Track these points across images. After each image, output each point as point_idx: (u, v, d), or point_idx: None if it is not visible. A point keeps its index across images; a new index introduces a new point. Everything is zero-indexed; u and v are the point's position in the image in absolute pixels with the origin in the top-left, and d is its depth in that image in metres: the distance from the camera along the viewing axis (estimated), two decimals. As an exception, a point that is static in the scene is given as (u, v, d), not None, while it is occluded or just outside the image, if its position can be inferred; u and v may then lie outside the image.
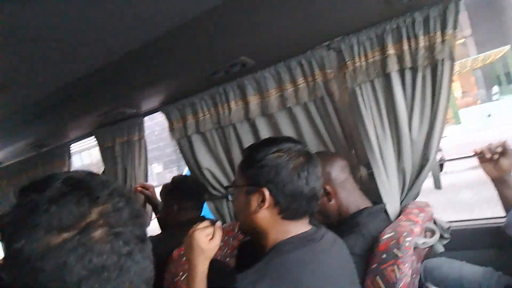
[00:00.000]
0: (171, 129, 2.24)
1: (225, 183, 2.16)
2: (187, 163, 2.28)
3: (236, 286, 0.86)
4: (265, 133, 1.96)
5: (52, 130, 2.53)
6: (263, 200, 0.98)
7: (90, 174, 0.58)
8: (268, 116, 1.94)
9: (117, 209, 0.54)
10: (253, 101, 1.94)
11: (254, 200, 1.00)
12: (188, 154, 2.23)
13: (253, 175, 1.00)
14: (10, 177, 3.33)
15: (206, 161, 2.18)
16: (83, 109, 2.21)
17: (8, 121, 2.34)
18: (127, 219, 0.55)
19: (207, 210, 2.25)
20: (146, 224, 0.59)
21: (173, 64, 1.79)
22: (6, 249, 0.52)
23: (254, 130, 1.99)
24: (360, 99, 1.59)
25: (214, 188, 2.20)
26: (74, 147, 2.97)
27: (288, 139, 1.05)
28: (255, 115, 1.94)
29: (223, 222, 2.22)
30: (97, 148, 2.63)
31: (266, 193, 0.97)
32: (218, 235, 1.09)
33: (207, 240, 1.07)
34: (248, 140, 2.01)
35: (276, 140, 1.05)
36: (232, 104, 1.99)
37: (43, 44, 1.54)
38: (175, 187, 2.05)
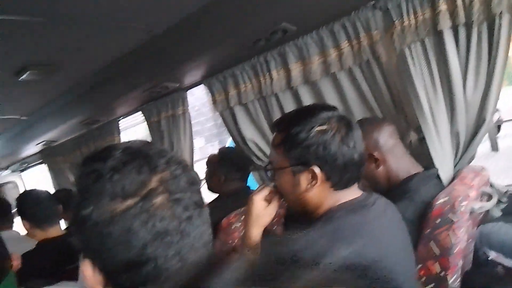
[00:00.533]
0: (214, 101, 2.26)
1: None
2: (231, 135, 2.30)
3: (287, 251, 0.87)
4: (308, 101, 1.92)
5: (102, 107, 2.63)
6: (314, 178, 0.95)
7: (147, 144, 0.59)
8: (311, 84, 1.90)
9: (175, 176, 0.56)
10: (295, 69, 1.90)
11: (303, 180, 0.96)
12: (231, 126, 2.25)
13: (299, 155, 0.95)
14: (65, 154, 3.52)
15: (249, 132, 2.19)
16: (129, 85, 2.28)
17: (61, 100, 2.46)
18: (185, 186, 0.56)
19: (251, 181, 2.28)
20: (201, 190, 0.60)
21: (214, 35, 1.79)
22: (75, 216, 0.55)
23: (297, 99, 1.97)
24: (409, 60, 1.51)
25: (259, 159, 2.22)
26: (121, 124, 3.08)
27: (322, 107, 1.00)
28: (297, 84, 1.91)
29: (269, 191, 2.24)
30: (141, 125, 2.71)
31: (317, 170, 0.94)
32: (275, 203, 1.08)
33: (263, 205, 1.07)
34: (290, 110, 1.99)
35: (310, 111, 0.99)
36: (274, 73, 1.96)
37: (88, 24, 1.59)
38: (222, 158, 2.09)
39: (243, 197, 1.74)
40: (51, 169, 3.81)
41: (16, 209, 1.95)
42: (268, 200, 1.09)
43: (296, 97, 1.96)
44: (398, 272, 0.91)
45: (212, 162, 2.13)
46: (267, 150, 2.18)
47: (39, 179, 4.58)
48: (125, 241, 0.51)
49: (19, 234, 2.67)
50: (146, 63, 2.02)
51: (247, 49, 1.92)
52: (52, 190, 5.54)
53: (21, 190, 4.30)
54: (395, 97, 1.67)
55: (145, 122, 2.70)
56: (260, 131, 2.18)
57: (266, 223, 1.09)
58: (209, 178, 2.14)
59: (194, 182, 0.58)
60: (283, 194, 1.06)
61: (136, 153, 0.56)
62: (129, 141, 0.60)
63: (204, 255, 0.57)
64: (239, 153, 2.20)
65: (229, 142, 3.38)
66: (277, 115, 2.04)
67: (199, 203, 0.58)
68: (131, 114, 2.86)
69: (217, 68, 2.15)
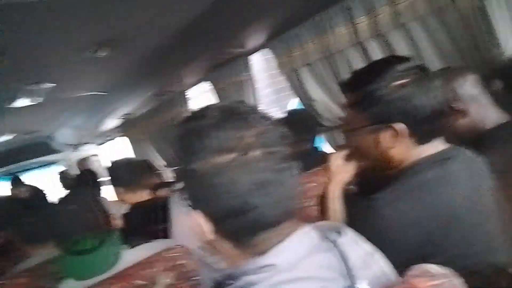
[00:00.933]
0: (279, 64, 2.25)
1: (340, 113, 2.14)
2: (298, 97, 2.30)
3: (372, 206, 0.87)
4: (377, 57, 1.85)
5: (171, 78, 2.74)
6: (397, 134, 0.90)
7: (240, 102, 0.64)
8: (380, 38, 1.82)
9: (268, 131, 0.60)
10: (362, 22, 1.82)
11: (385, 137, 0.91)
12: (297, 88, 2.24)
13: (378, 113, 0.91)
14: (142, 125, 3.76)
15: (316, 92, 2.16)
16: (194, 54, 2.33)
17: (135, 74, 2.59)
18: (278, 140, 0.60)
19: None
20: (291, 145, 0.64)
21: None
22: (183, 171, 0.62)
23: (366, 55, 1.90)
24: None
25: (328, 119, 2.20)
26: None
27: (397, 59, 0.94)
28: (365, 38, 1.83)
29: (339, 151, 2.23)
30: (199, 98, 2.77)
31: (400, 126, 0.89)
32: (353, 162, 1.08)
33: (342, 163, 1.08)
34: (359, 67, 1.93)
35: (384, 64, 0.93)
36: (339, 29, 1.90)
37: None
38: (288, 120, 2.10)
39: (312, 158, 1.76)
40: (131, 141, 4.09)
41: (109, 176, 2.13)
42: (347, 159, 1.10)
43: (365, 53, 1.89)
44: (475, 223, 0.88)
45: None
46: (337, 110, 2.15)
47: (119, 151, 4.94)
48: (230, 190, 0.57)
49: (107, 200, 2.95)
50: (210, 30, 2.04)
51: (309, 7, 1.87)
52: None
53: (104, 162, 4.69)
54: (477, 42, 1.55)
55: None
56: (327, 91, 2.15)
57: (344, 180, 1.11)
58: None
59: (285, 136, 0.62)
60: (361, 153, 1.02)
61: (232, 110, 0.61)
62: (223, 102, 0.65)
63: (298, 203, 0.62)
64: (306, 114, 2.19)
65: (292, 104, 3.33)
66: (344, 74, 2.00)
67: (291, 155, 0.62)
68: (199, 83, 2.95)
69: (280, 30, 2.13)
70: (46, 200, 2.13)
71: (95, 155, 4.73)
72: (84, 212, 1.28)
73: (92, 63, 2.14)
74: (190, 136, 0.61)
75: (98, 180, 3.15)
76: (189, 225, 0.63)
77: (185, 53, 2.28)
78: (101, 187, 2.90)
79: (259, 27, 2.06)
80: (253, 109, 0.62)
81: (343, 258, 0.62)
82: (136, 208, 2.04)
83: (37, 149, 4.49)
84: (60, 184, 3.97)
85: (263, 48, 2.35)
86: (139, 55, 2.26)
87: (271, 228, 0.60)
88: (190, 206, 0.65)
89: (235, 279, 0.61)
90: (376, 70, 0.94)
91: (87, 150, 4.74)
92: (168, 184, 3.13)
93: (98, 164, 4.68)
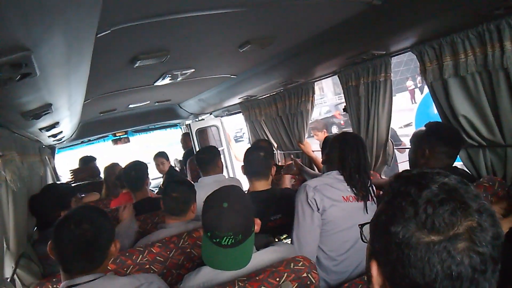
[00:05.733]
0: (423, 70, 2.08)
1: (485, 133, 1.92)
2: (438, 108, 2.11)
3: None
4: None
5: (301, 71, 2.74)
6: None
7: (463, 184, 0.61)
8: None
9: (483, 229, 0.57)
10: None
11: None
12: (441, 98, 2.05)
13: None
14: (261, 107, 3.87)
15: (463, 107, 1.96)
16: (333, 52, 2.29)
17: (266, 64, 2.64)
18: (489, 240, 0.57)
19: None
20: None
21: (438, 2, 1.60)
22: (381, 226, 0.63)
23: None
24: None
25: (470, 137, 2.00)
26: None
27: None
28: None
29: (478, 174, 2.03)
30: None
31: None
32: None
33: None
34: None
35: None
36: (508, 43, 1.67)
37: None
38: (428, 131, 1.96)
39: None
40: (247, 119, 4.26)
41: (243, 160, 2.25)
42: (503, 214, 1.01)
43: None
44: None
45: (417, 137, 2.02)
46: (482, 129, 1.93)
47: (233, 123, 5.20)
48: (420, 268, 0.57)
49: (225, 177, 3.13)
50: (357, 32, 1.97)
51: (473, 16, 1.67)
52: (247, 139, 6.22)
53: (222, 133, 4.99)
54: None
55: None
56: (476, 107, 1.93)
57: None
58: (413, 152, 2.04)
59: (498, 237, 0.58)
60: None
61: (453, 192, 0.59)
62: (446, 175, 0.63)
63: None
64: (450, 127, 2.01)
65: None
66: (504, 94, 1.77)
67: (496, 259, 0.58)
68: (328, 77, 2.89)
69: (431, 35, 1.95)
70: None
71: (214, 126, 5.04)
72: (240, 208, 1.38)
73: (231, 55, 2.24)
74: (401, 198, 0.61)
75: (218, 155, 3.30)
76: None
77: (323, 51, 2.24)
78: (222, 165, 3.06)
79: (408, 32, 1.91)
80: (475, 197, 0.59)
81: None
82: (254, 196, 2.12)
83: (166, 114, 4.99)
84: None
85: (406, 51, 2.19)
86: (277, 49, 2.29)
87: None
88: (370, 253, 0.67)
89: None
90: None
91: (206, 120, 5.07)
92: (285, 165, 3.22)
93: (217, 133, 5.02)
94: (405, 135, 5.91)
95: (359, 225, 0.83)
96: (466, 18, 1.72)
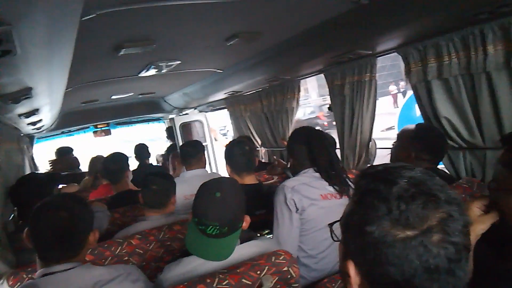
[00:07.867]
0: (407, 71, 2.11)
1: (465, 135, 1.96)
2: (421, 109, 2.15)
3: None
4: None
5: (287, 68, 2.74)
6: None
7: (429, 176, 0.61)
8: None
9: (454, 219, 0.57)
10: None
11: None
12: (424, 99, 2.08)
13: None
14: (246, 103, 3.86)
15: (445, 109, 1.99)
16: (319, 50, 2.29)
17: (252, 60, 2.63)
18: (460, 229, 0.57)
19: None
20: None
21: (424, 4, 1.63)
22: (356, 226, 0.62)
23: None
24: None
25: (451, 139, 2.03)
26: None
27: None
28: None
29: (458, 175, 2.07)
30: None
31: None
32: (493, 215, 1.02)
33: (478, 213, 1.03)
34: (504, 93, 1.73)
35: None
36: (490, 48, 1.70)
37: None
38: (417, 135, 1.97)
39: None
40: (232, 115, 4.24)
41: (225, 154, 2.24)
42: (484, 210, 1.02)
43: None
44: None
45: (405, 135, 2.02)
46: (464, 132, 1.97)
47: (218, 119, 5.16)
48: (398, 265, 0.57)
49: (207, 172, 3.10)
50: (343, 31, 1.97)
51: (457, 20, 1.70)
52: (231, 137, 6.18)
53: (206, 129, 4.95)
54: None
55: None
56: (458, 110, 1.96)
57: (478, 232, 1.03)
58: (397, 151, 2.05)
59: (467, 225, 0.59)
60: (505, 212, 0.99)
61: (421, 186, 0.59)
62: (411, 168, 0.62)
63: None
64: (437, 135, 2.01)
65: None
66: (484, 97, 1.81)
67: (468, 247, 0.59)
68: (314, 75, 2.91)
69: (416, 37, 1.98)
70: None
71: (198, 120, 4.99)
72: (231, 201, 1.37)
73: (218, 48, 2.23)
74: (372, 196, 0.60)
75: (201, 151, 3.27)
76: None
77: (309, 48, 2.25)
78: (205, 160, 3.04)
79: (394, 33, 1.93)
80: (442, 188, 0.59)
81: None
82: (245, 190, 2.11)
83: (149, 107, 4.92)
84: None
85: (392, 52, 2.21)
86: (264, 45, 2.28)
87: None
88: (344, 253, 0.66)
89: None
90: None
91: (190, 115, 5.02)
92: (269, 166, 3.21)
93: (201, 128, 4.97)
94: (387, 138, 6.00)
95: (328, 224, 0.81)
96: (451, 21, 1.75)
